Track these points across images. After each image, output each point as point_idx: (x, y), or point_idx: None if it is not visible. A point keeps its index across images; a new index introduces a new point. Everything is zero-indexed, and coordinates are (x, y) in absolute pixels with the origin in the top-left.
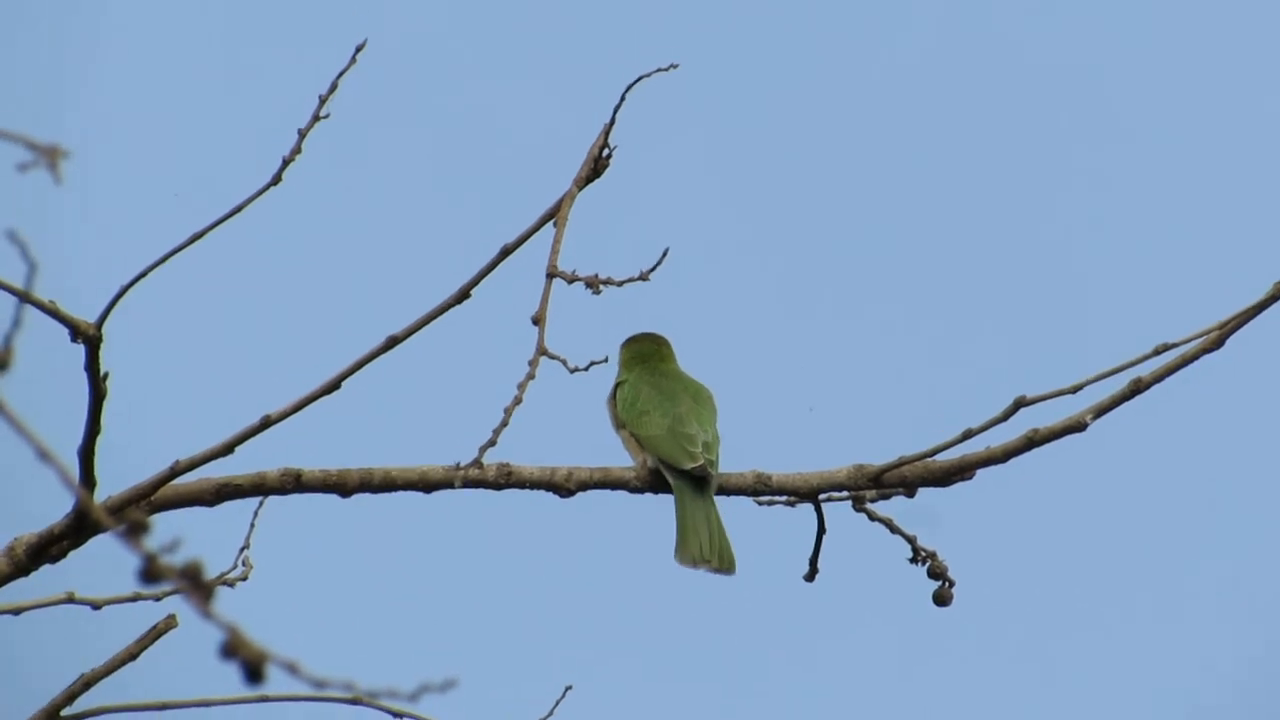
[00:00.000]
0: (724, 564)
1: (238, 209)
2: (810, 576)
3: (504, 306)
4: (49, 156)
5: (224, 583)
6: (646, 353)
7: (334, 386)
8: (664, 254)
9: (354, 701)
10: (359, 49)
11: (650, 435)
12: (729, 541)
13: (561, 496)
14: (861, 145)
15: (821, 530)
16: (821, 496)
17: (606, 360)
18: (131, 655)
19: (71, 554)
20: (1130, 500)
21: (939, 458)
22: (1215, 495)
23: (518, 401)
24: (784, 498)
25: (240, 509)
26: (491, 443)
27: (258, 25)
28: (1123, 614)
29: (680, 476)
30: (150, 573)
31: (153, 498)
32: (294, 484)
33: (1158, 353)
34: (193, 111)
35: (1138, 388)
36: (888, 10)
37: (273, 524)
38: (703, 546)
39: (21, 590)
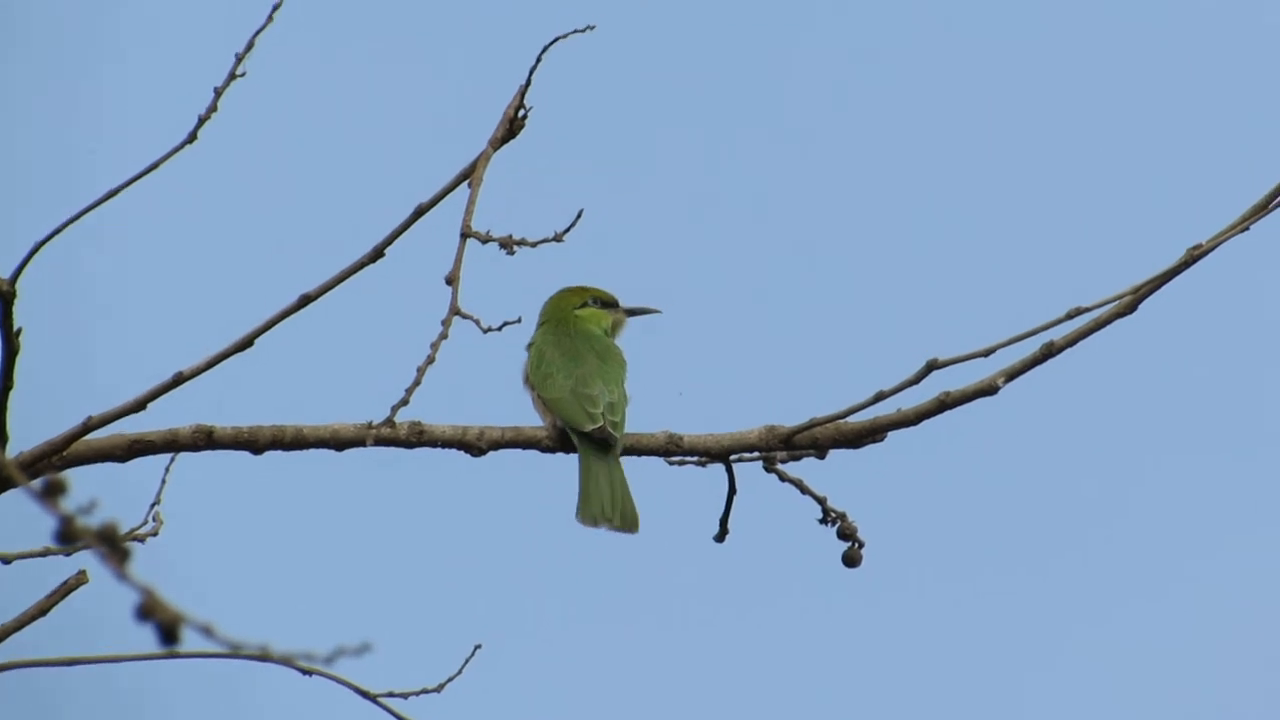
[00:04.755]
0: (625, 523)
1: (153, 166)
2: (721, 537)
3: (418, 266)
4: None
5: (135, 538)
6: (563, 308)
7: (247, 344)
8: (578, 215)
9: (265, 660)
10: (276, 6)
11: (553, 397)
12: (632, 501)
13: (473, 455)
14: (775, 102)
15: (732, 491)
16: (733, 457)
17: (520, 320)
18: (42, 610)
19: None
20: (1040, 464)
21: (851, 419)
22: (1125, 460)
23: (430, 360)
24: (695, 458)
25: (152, 465)
26: (404, 401)
27: None
28: (1029, 576)
29: (583, 438)
30: (67, 534)
31: (65, 453)
32: (206, 441)
33: (1070, 316)
34: (110, 65)
35: (1050, 351)
36: None
37: (185, 480)
38: (604, 506)
39: None
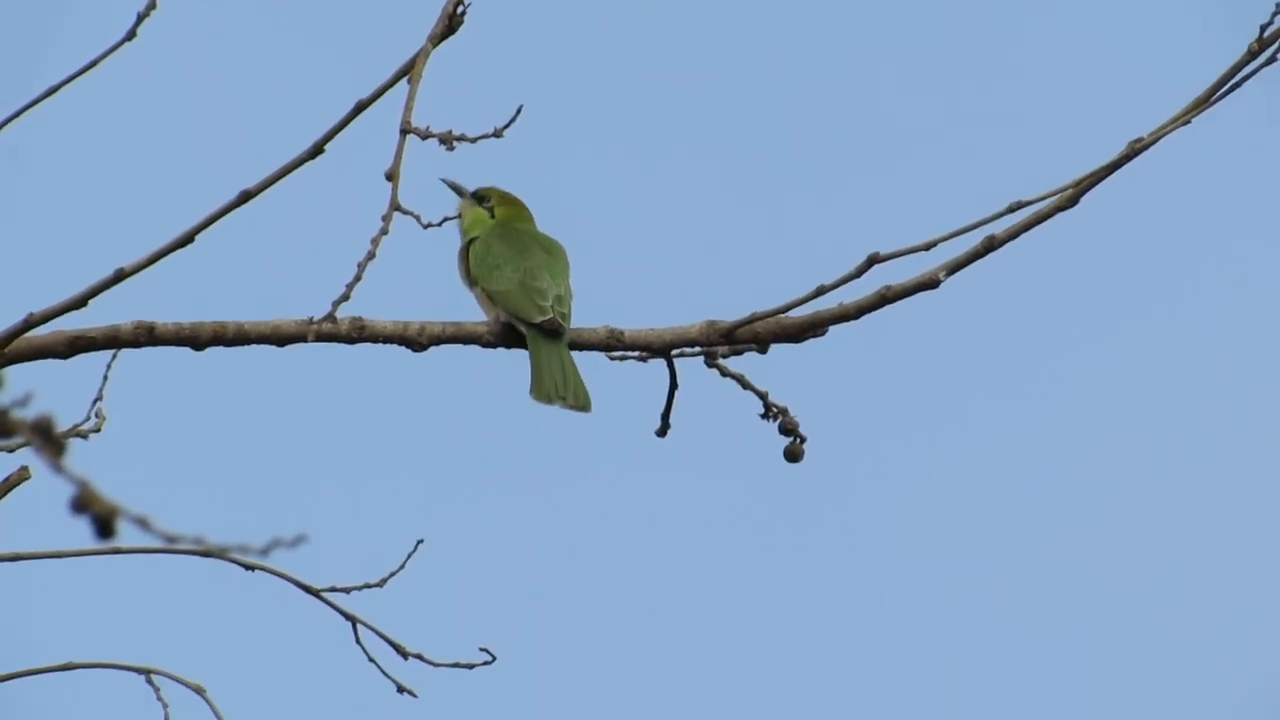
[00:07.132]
0: (579, 401)
1: (92, 64)
2: (662, 432)
3: (358, 162)
4: None
5: (77, 434)
6: (504, 211)
7: (188, 240)
8: (518, 111)
9: (205, 554)
10: None
11: (500, 290)
12: (584, 382)
13: (414, 351)
14: (715, 6)
15: (674, 386)
16: (674, 352)
17: (460, 216)
18: None
19: None
20: (981, 357)
21: (792, 314)
22: (1066, 353)
23: (371, 256)
24: (636, 353)
25: (94, 361)
26: (345, 297)
27: None
28: (968, 469)
29: (532, 329)
30: (2, 427)
31: (5, 349)
32: (147, 337)
33: (1011, 210)
34: None
35: (991, 245)
36: None
37: (126, 377)
38: (557, 384)
39: None
